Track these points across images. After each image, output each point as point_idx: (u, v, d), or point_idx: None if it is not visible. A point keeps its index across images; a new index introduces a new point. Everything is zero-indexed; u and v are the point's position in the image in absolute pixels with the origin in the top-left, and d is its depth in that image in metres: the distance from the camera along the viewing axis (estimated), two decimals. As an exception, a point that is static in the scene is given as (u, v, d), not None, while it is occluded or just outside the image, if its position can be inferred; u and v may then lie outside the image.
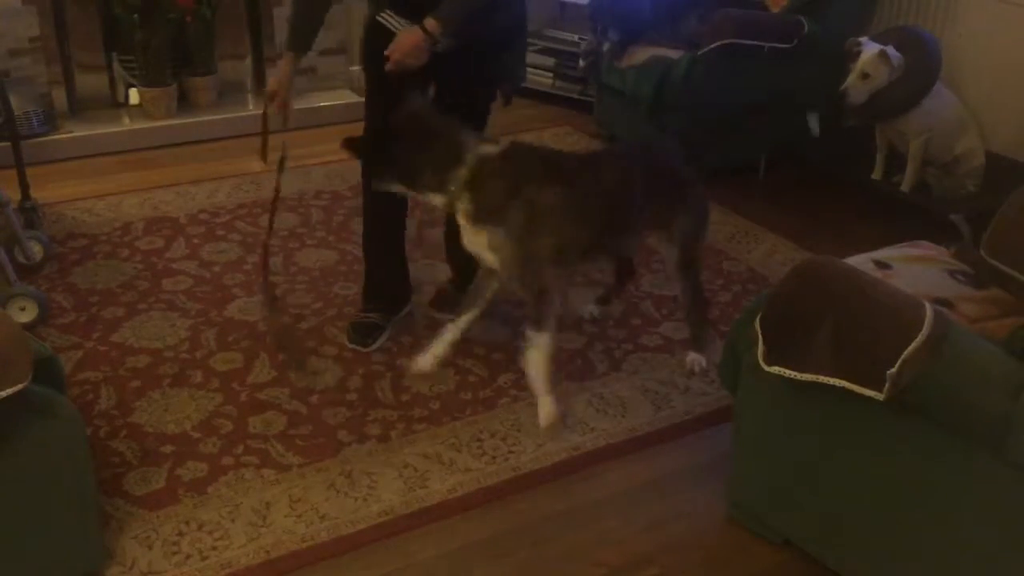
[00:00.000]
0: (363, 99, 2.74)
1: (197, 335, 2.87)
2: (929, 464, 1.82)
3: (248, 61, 4.72)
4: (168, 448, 2.39)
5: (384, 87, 2.55)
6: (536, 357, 2.46)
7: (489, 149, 2.39)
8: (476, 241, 2.42)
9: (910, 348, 1.69)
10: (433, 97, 2.63)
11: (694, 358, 2.80)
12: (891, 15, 4.17)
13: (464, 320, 2.63)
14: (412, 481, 2.32)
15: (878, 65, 3.45)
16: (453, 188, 2.36)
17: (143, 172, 3.85)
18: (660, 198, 2.60)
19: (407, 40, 2.43)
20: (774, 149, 4.05)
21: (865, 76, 3.47)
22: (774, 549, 2.17)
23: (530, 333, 2.45)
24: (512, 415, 2.58)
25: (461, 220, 2.42)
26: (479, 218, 2.38)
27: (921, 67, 3.48)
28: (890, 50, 3.45)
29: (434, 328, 2.78)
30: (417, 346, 2.78)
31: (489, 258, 2.43)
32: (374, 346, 2.81)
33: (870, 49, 3.47)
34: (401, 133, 2.38)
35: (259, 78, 4.67)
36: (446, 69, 2.54)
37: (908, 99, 3.49)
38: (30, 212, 3.34)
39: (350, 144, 2.44)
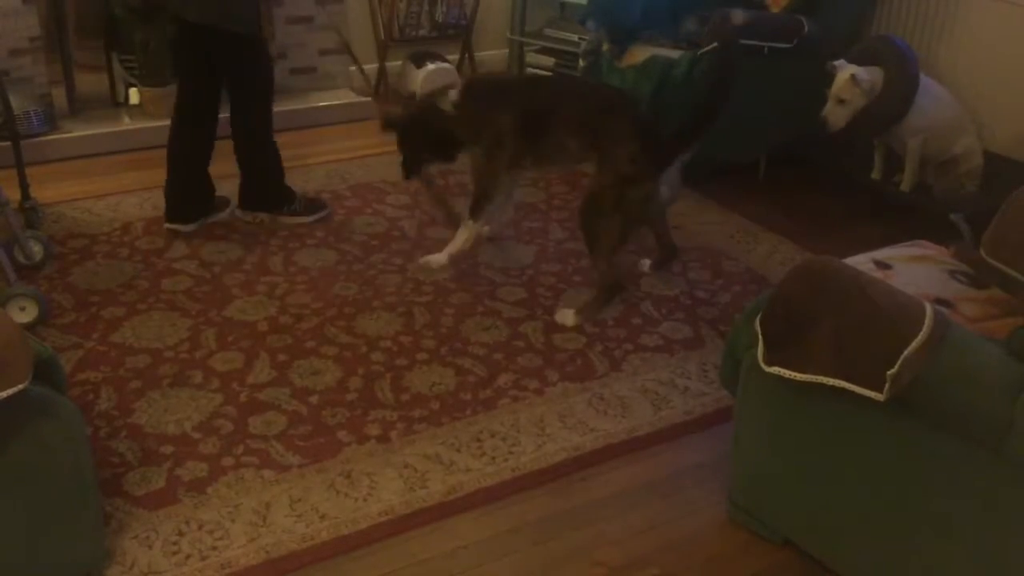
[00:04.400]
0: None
1: (197, 335, 2.87)
2: (929, 464, 1.82)
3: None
4: (168, 448, 2.40)
5: None
6: (461, 234, 3.18)
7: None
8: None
9: (910, 348, 1.69)
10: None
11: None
12: (891, 16, 4.17)
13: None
14: (412, 481, 2.32)
15: (851, 89, 3.45)
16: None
17: (143, 172, 3.85)
18: (589, 126, 2.95)
19: None
20: (774, 149, 4.05)
21: (841, 101, 3.47)
22: (774, 549, 2.17)
23: (467, 220, 3.16)
24: (512, 415, 2.58)
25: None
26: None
27: (900, 79, 3.47)
28: (860, 72, 3.45)
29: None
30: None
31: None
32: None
33: (841, 74, 3.47)
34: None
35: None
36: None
37: (893, 114, 3.48)
38: (30, 212, 3.34)
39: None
